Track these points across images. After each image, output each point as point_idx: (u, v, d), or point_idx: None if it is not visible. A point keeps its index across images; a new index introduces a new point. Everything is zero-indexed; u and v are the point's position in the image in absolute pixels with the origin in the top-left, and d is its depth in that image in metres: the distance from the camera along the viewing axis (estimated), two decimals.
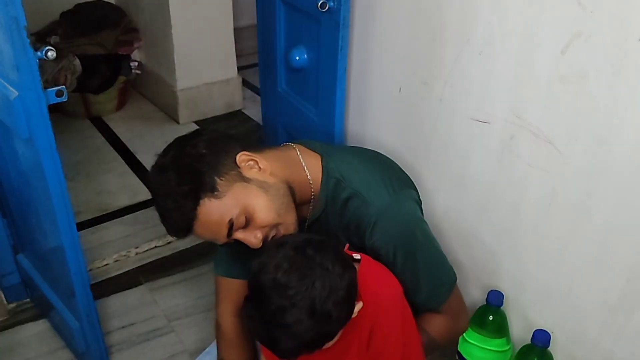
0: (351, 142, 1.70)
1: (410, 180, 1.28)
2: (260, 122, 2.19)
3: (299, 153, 1.23)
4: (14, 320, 1.78)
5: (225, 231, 1.08)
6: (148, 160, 2.54)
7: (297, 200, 1.18)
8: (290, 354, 1.00)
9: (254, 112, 2.90)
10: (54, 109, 1.16)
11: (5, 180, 1.58)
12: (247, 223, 1.09)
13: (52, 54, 1.13)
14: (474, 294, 1.47)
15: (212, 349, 1.40)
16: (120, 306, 1.84)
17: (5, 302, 1.80)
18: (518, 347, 1.31)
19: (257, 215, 1.09)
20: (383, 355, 1.11)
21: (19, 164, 1.41)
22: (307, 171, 1.20)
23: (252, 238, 1.10)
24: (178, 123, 2.87)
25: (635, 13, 0.98)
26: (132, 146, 2.67)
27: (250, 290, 1.02)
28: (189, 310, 1.82)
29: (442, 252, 1.26)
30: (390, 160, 1.32)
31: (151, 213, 2.22)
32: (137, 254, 2.03)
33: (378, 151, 1.36)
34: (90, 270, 1.92)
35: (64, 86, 1.20)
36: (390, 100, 1.55)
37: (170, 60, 2.76)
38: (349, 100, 1.66)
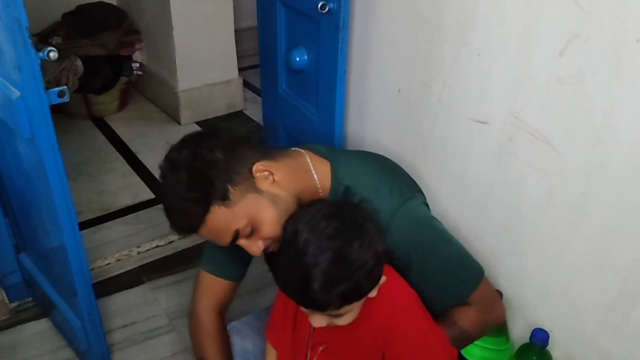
0: (351, 142, 1.70)
1: (417, 184, 1.27)
2: (261, 123, 2.20)
3: (309, 160, 1.22)
4: (16, 319, 1.79)
5: (229, 238, 1.08)
6: (149, 161, 2.56)
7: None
8: (321, 300, 0.95)
9: (255, 112, 2.91)
10: (55, 110, 1.16)
11: (8, 180, 1.59)
12: (252, 232, 1.09)
13: (54, 54, 1.14)
14: None
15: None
16: (122, 305, 1.85)
17: (7, 301, 1.81)
18: (517, 346, 1.31)
19: (264, 227, 1.08)
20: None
21: (21, 164, 1.42)
22: (316, 179, 1.20)
23: (254, 247, 1.10)
24: (179, 124, 2.88)
25: (633, 15, 0.99)
26: (133, 146, 2.68)
27: (286, 238, 1.00)
28: None
29: (463, 247, 1.23)
30: (397, 164, 1.31)
31: (152, 213, 2.23)
32: (138, 253, 2.04)
33: (384, 155, 1.35)
34: (92, 269, 1.93)
35: (65, 87, 1.20)
36: (389, 101, 1.55)
37: (172, 61, 2.77)
38: (348, 101, 1.67)
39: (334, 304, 0.96)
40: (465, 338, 1.21)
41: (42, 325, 1.77)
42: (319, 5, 1.45)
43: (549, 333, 1.23)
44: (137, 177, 2.46)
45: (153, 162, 2.55)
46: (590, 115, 1.10)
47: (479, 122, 1.31)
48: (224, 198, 1.05)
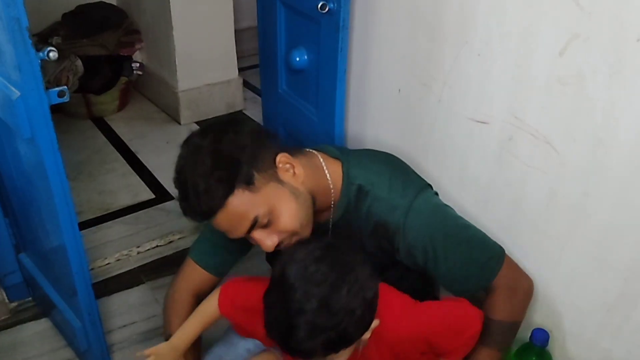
0: (351, 142, 1.70)
1: (426, 182, 1.28)
2: (261, 123, 2.20)
3: (322, 160, 1.22)
4: (16, 319, 1.79)
5: (246, 227, 1.06)
6: (149, 161, 2.56)
7: (317, 207, 1.18)
8: (305, 348, 0.93)
9: (255, 112, 2.91)
10: (55, 110, 1.16)
11: (8, 180, 1.59)
12: (268, 224, 1.08)
13: (54, 54, 1.14)
14: None
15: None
16: (122, 305, 1.85)
17: (7, 301, 1.81)
18: (516, 346, 1.31)
19: (282, 219, 1.08)
20: None
21: (21, 164, 1.42)
22: (329, 179, 1.20)
23: (268, 240, 1.09)
24: (179, 124, 2.88)
25: (633, 14, 0.98)
26: (133, 146, 2.68)
27: (274, 279, 0.98)
28: None
29: (480, 231, 1.23)
30: (405, 163, 1.32)
31: (153, 213, 2.24)
32: (138, 253, 2.04)
33: (392, 154, 1.35)
34: (92, 269, 1.93)
35: (65, 87, 1.20)
36: (389, 101, 1.55)
37: (172, 61, 2.77)
38: (348, 100, 1.67)
39: (318, 353, 0.94)
40: (507, 329, 1.20)
41: (42, 325, 1.77)
42: (319, 5, 1.45)
43: (549, 333, 1.23)
44: (137, 177, 2.47)
45: (153, 162, 2.55)
46: (590, 115, 1.10)
47: (479, 122, 1.31)
48: (249, 182, 1.04)
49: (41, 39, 2.65)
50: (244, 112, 3.01)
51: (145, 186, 2.40)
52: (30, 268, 1.72)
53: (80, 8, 2.84)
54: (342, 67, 1.50)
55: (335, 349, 0.95)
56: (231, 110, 2.98)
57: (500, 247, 1.23)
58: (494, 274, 1.19)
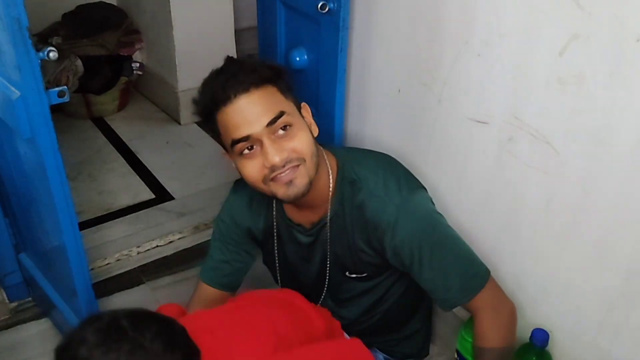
0: (351, 142, 1.70)
1: (422, 184, 1.28)
2: None
3: (322, 152, 1.23)
4: (16, 319, 1.79)
5: (268, 118, 1.07)
6: (149, 161, 2.56)
7: (313, 200, 1.19)
8: None
9: None
10: (55, 110, 1.16)
11: (8, 180, 1.59)
12: (284, 135, 1.09)
13: (54, 54, 1.14)
14: None
15: None
16: (122, 305, 1.82)
17: (7, 301, 1.81)
18: (517, 347, 1.31)
19: (298, 138, 1.10)
20: None
21: (21, 164, 1.42)
22: (329, 168, 1.21)
23: (277, 151, 1.08)
24: (179, 124, 2.87)
25: (633, 14, 0.98)
26: (133, 146, 2.68)
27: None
28: None
29: (468, 246, 1.24)
30: (402, 164, 1.32)
31: (153, 213, 2.23)
32: (138, 253, 2.04)
33: (390, 155, 1.35)
34: (92, 269, 1.93)
35: (65, 87, 1.20)
36: (389, 101, 1.55)
37: (172, 61, 2.77)
38: (348, 100, 1.67)
39: None
40: (500, 356, 1.20)
41: (42, 325, 1.77)
42: (319, 5, 1.45)
43: (549, 333, 1.23)
44: (137, 177, 2.46)
45: (153, 162, 2.55)
46: (590, 115, 1.10)
47: (479, 122, 1.31)
48: (286, 90, 1.12)
49: (41, 39, 2.65)
50: None
51: (146, 186, 2.40)
52: (30, 268, 1.72)
53: (80, 8, 2.84)
54: (342, 67, 1.50)
55: None
56: None
57: (486, 268, 1.23)
58: (476, 290, 1.19)
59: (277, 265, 1.37)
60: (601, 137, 1.09)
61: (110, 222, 2.19)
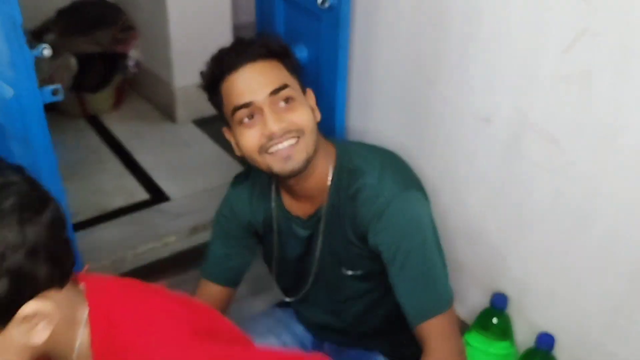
0: (353, 139, 1.68)
1: (422, 187, 1.24)
2: None
3: (323, 140, 1.22)
4: None
5: (273, 87, 1.10)
6: (145, 160, 2.53)
7: (311, 189, 1.19)
8: None
9: None
10: (49, 108, 1.15)
11: None
12: (285, 109, 1.11)
13: (48, 52, 1.14)
14: (478, 297, 1.46)
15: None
16: None
17: None
18: (521, 351, 1.29)
19: (299, 111, 1.11)
20: None
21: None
22: (328, 159, 1.20)
23: (276, 121, 1.09)
24: (175, 122, 2.85)
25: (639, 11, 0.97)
26: (128, 146, 2.65)
27: None
28: None
29: (446, 267, 1.19)
30: (405, 162, 1.28)
31: (148, 214, 2.21)
32: (134, 255, 2.02)
33: (393, 152, 1.31)
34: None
35: (59, 85, 1.20)
36: (393, 98, 1.54)
37: (168, 58, 2.75)
38: (351, 97, 1.65)
39: None
40: None
41: None
42: (320, 1, 1.43)
43: (554, 338, 1.22)
44: (132, 177, 2.44)
45: (149, 161, 2.53)
46: (597, 112, 1.08)
47: (485, 119, 1.30)
48: (292, 69, 1.16)
49: (35, 36, 2.62)
50: None
51: (141, 187, 2.38)
52: None
53: (75, 4, 2.82)
54: (343, 63, 1.49)
55: None
56: None
57: (452, 296, 1.17)
58: (435, 311, 1.13)
59: (276, 260, 1.36)
60: (608, 135, 1.08)
61: (105, 223, 2.16)
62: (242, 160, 1.34)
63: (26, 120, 1.17)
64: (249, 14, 2.21)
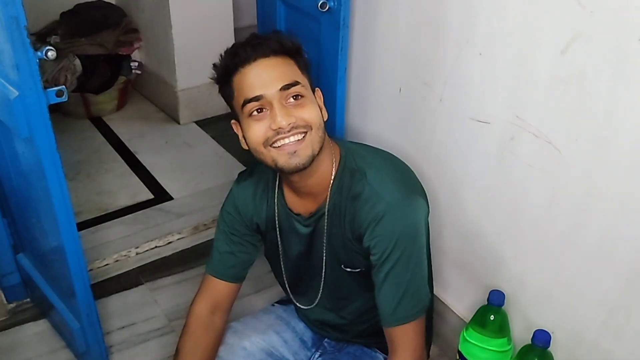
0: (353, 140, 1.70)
1: (424, 192, 1.25)
2: None
3: (328, 139, 1.23)
4: (14, 320, 1.78)
5: (284, 82, 1.11)
6: (148, 161, 2.55)
7: (314, 186, 1.20)
8: None
9: None
10: (54, 109, 1.15)
11: (6, 180, 1.58)
12: (295, 105, 1.12)
13: (52, 54, 1.14)
14: (475, 294, 1.47)
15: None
16: (121, 306, 1.84)
17: (5, 302, 1.80)
18: (518, 347, 1.30)
19: (308, 109, 1.12)
20: None
21: (19, 163, 1.41)
22: (332, 158, 1.21)
23: (285, 115, 1.10)
24: (178, 123, 2.87)
25: (635, 13, 0.98)
26: (132, 146, 2.67)
27: None
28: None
29: (427, 274, 1.22)
30: (409, 168, 1.29)
31: (151, 213, 2.23)
32: (137, 254, 2.03)
33: (397, 156, 1.32)
34: (91, 270, 1.92)
35: (64, 86, 1.20)
36: (390, 100, 1.55)
37: (171, 60, 2.76)
38: (350, 100, 1.66)
39: None
40: None
41: (41, 327, 1.77)
42: (320, 4, 1.44)
43: (551, 334, 1.23)
44: (136, 177, 2.46)
45: (152, 162, 2.54)
46: (592, 114, 1.09)
47: (481, 121, 1.31)
48: (304, 67, 1.16)
49: (39, 38, 2.64)
50: None
51: (144, 186, 2.39)
52: (28, 269, 1.71)
53: (79, 7, 2.83)
54: (342, 66, 1.50)
55: None
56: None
57: (428, 302, 1.22)
58: (412, 317, 1.17)
59: (277, 256, 1.37)
60: (603, 137, 1.09)
61: (108, 222, 2.18)
62: (246, 159, 1.35)
63: (31, 121, 1.17)
64: (250, 17, 2.22)
